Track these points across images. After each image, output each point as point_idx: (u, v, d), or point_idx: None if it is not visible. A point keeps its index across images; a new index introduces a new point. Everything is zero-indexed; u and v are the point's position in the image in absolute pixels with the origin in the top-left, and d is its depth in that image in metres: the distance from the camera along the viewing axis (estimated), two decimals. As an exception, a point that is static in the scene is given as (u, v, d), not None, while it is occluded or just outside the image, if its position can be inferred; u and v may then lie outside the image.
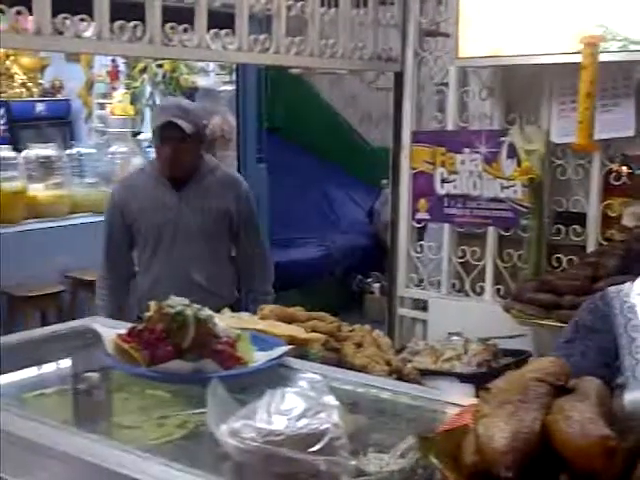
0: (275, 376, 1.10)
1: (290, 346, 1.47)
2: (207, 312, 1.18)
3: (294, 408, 0.84)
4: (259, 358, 1.25)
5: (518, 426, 0.74)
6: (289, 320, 2.19)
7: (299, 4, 2.67)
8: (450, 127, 3.06)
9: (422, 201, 3.15)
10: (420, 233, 3.31)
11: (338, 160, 6.20)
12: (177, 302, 1.14)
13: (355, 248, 5.83)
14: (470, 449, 0.76)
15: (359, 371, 2.10)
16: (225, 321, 1.70)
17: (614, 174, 2.74)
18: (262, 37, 2.51)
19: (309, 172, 6.05)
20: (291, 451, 0.78)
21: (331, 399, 0.87)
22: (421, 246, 3.25)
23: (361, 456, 0.99)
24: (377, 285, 5.67)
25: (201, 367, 1.12)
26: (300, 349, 1.99)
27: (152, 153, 4.60)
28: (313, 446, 0.81)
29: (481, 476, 0.75)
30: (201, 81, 4.75)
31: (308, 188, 6.04)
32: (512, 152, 2.88)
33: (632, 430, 0.83)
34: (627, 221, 2.77)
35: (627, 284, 1.54)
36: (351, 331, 2.37)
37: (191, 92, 4.72)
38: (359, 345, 2.31)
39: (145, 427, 1.28)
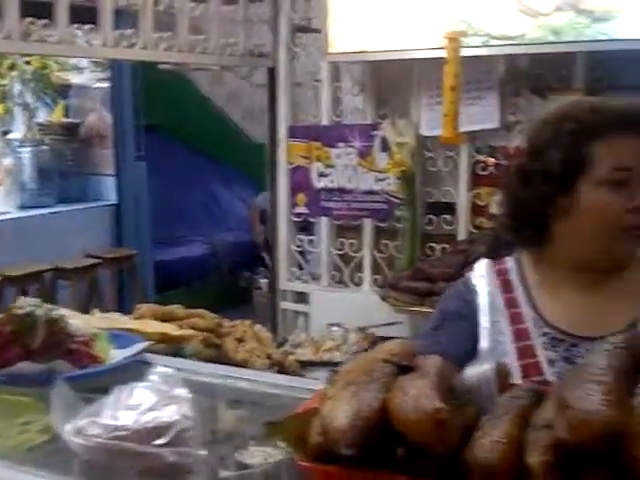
0: (136, 374, 1.09)
1: (147, 342, 1.45)
2: (60, 312, 1.16)
3: (143, 402, 0.84)
4: (116, 356, 1.24)
5: (359, 405, 0.76)
6: (167, 318, 2.17)
7: (167, -1, 2.65)
8: (325, 122, 3.11)
9: (300, 195, 3.19)
10: (307, 227, 3.34)
11: (222, 157, 6.17)
12: (27, 303, 1.11)
13: (242, 244, 5.83)
14: (316, 431, 0.78)
15: (240, 366, 2.11)
16: (94, 321, 1.66)
17: (481, 165, 2.86)
18: (129, 32, 2.47)
19: (192, 170, 5.99)
20: (137, 445, 0.79)
21: (183, 391, 0.87)
22: (301, 240, 3.29)
23: (243, 450, 1.00)
24: (264, 281, 5.69)
25: (53, 368, 1.10)
26: (174, 347, 1.98)
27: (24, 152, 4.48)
28: (160, 439, 0.81)
29: (326, 456, 0.77)
30: (74, 78, 4.62)
31: (192, 186, 5.98)
32: (385, 145, 2.96)
33: (471, 403, 0.87)
34: (495, 209, 2.89)
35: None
36: (232, 327, 2.37)
37: (64, 89, 4.59)
38: (240, 340, 2.31)
39: (6, 434, 1.24)
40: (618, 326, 1.42)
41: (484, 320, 1.06)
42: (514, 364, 1.39)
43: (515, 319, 1.47)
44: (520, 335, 1.45)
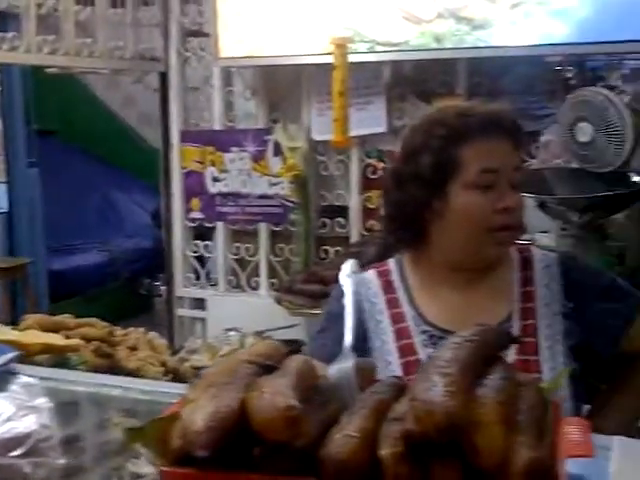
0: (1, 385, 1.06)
1: (15, 353, 1.42)
2: None
3: (0, 413, 0.83)
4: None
5: (217, 406, 0.77)
6: (56, 328, 2.13)
7: (50, 2, 2.59)
8: (217, 127, 3.11)
9: (195, 200, 3.17)
10: (204, 232, 3.32)
11: (119, 162, 6.06)
12: None
13: (141, 251, 5.73)
14: (176, 434, 0.79)
15: (133, 375, 2.08)
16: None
17: (371, 168, 2.92)
18: (10, 35, 2.41)
19: (89, 176, 5.86)
20: (-8, 457, 0.78)
21: (43, 401, 0.86)
22: (197, 245, 3.27)
23: (137, 460, 0.99)
24: (164, 288, 5.62)
25: None
26: (60, 357, 1.93)
27: None
28: (17, 449, 0.80)
29: (186, 459, 0.77)
30: (-40, 82, 4.46)
31: (88, 192, 5.85)
32: (277, 150, 2.98)
33: (333, 400, 0.90)
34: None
35: (369, 271, 1.65)
36: (125, 335, 2.34)
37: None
38: (133, 349, 2.28)
39: None
40: (493, 322, 1.49)
41: (349, 319, 1.09)
42: (396, 362, 1.43)
43: (396, 319, 1.51)
44: (401, 334, 1.49)
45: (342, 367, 0.93)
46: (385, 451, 0.75)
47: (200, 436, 0.74)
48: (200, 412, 0.77)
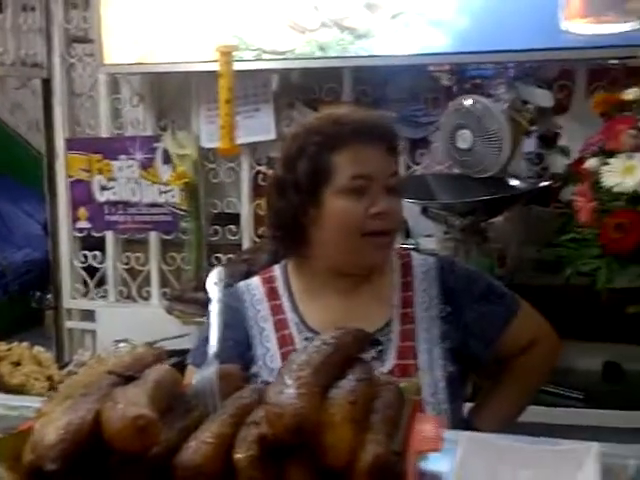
0: None
1: None
2: None
3: None
4: None
5: (70, 418, 0.76)
6: None
7: None
8: (104, 134, 3.05)
9: (82, 210, 3.10)
10: (93, 242, 3.24)
11: (7, 171, 5.84)
12: None
13: (32, 263, 5.52)
14: (28, 449, 0.77)
15: (17, 391, 2.01)
16: None
17: (261, 175, 2.92)
18: None
19: (-25, 186, 5.62)
20: None
21: None
22: (85, 255, 3.19)
23: None
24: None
25: None
26: None
27: None
28: None
29: (37, 474, 0.76)
30: None
31: (-26, 203, 5.61)
32: (167, 158, 2.95)
33: (196, 408, 0.90)
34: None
35: (254, 278, 1.65)
36: (8, 350, 2.27)
37: None
38: (18, 364, 2.21)
39: None
40: (374, 327, 1.52)
41: (214, 327, 1.09)
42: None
43: (280, 325, 1.52)
44: (284, 341, 1.50)
45: (205, 374, 0.93)
46: (239, 455, 0.75)
47: (51, 450, 0.72)
48: (52, 425, 0.76)
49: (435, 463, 0.77)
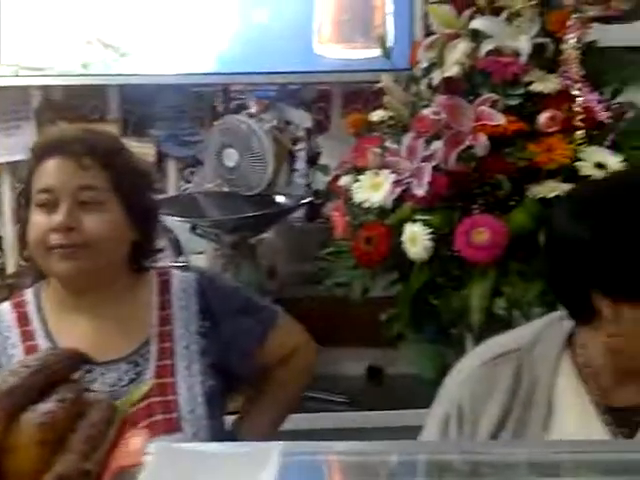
0: None
1: None
2: None
3: None
4: None
5: None
6: None
7: None
8: None
9: None
10: None
11: None
12: None
13: None
14: None
15: None
16: None
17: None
18: None
19: None
20: None
21: None
22: None
23: None
24: None
25: None
26: None
27: None
28: None
29: None
30: None
31: None
32: None
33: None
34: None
35: (4, 304, 1.58)
36: None
37: None
38: None
39: None
40: (130, 347, 1.51)
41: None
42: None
43: (29, 353, 1.47)
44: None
45: None
46: None
47: None
48: None
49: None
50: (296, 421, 1.85)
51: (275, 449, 0.68)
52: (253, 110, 2.51)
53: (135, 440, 0.70)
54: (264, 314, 1.67)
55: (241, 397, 1.76)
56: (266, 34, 2.50)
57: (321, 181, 2.52)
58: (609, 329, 1.17)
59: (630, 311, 1.14)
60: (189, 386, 1.50)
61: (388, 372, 2.57)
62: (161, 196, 2.65)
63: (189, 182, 2.78)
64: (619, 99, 1.99)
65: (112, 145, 1.52)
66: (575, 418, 1.22)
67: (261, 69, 2.51)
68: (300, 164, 2.61)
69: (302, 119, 2.44)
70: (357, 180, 2.00)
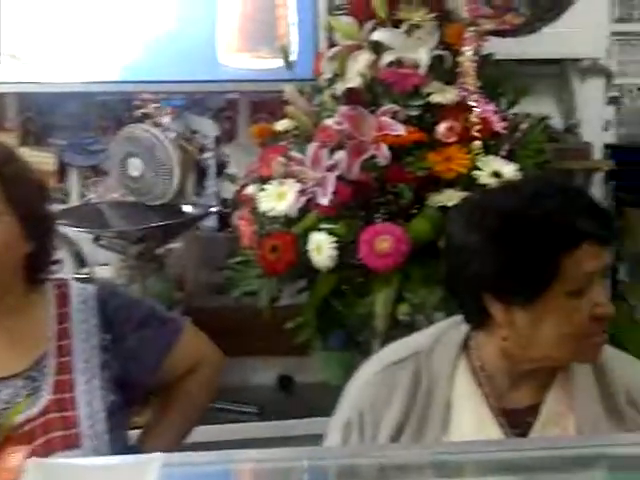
0: None
1: None
2: None
3: None
4: None
5: None
6: None
7: None
8: None
9: None
10: None
11: None
12: None
13: None
14: None
15: None
16: None
17: None
18: None
19: None
20: None
21: None
22: None
23: None
24: None
25: None
26: None
27: None
28: None
29: None
30: None
31: None
32: None
33: None
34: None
35: None
36: None
37: None
38: None
39: None
40: (27, 362, 1.47)
41: None
42: None
43: None
44: None
45: None
46: None
47: None
48: None
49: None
50: (204, 433, 1.83)
51: (156, 460, 0.67)
52: (158, 119, 2.48)
53: (14, 457, 0.69)
54: (168, 326, 1.65)
55: (148, 411, 1.74)
56: (172, 43, 2.48)
57: (229, 190, 2.51)
58: (502, 333, 1.21)
59: (521, 315, 1.18)
60: (89, 401, 1.46)
61: (299, 380, 2.58)
62: (63, 206, 2.60)
63: (93, 192, 2.73)
64: (514, 110, 2.06)
65: (4, 155, 1.48)
66: (472, 420, 1.25)
67: (167, 78, 2.48)
68: (208, 173, 2.59)
69: (208, 128, 2.43)
70: (263, 189, 2.00)
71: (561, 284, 1.14)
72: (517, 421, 1.25)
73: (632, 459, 1.04)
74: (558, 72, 2.72)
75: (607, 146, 2.74)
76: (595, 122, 2.71)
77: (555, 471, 1.05)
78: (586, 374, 1.25)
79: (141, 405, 1.74)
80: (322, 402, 2.30)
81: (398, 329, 1.87)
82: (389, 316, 1.89)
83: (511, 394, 1.26)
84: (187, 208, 2.51)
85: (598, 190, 2.70)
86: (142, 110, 2.60)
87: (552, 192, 1.18)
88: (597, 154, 2.68)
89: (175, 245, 2.62)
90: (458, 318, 1.32)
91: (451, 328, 1.33)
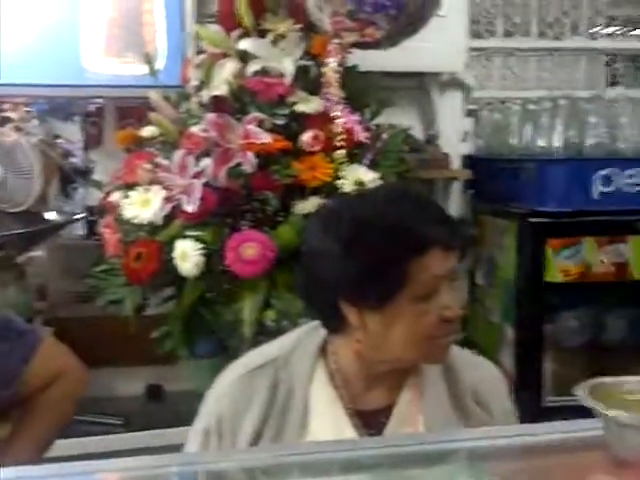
0: None
1: None
2: None
3: None
4: None
5: None
6: None
7: None
8: None
9: None
10: None
11: None
12: None
13: None
14: None
15: None
16: None
17: None
18: None
19: None
20: None
21: None
22: None
23: None
24: None
25: None
26: None
27: None
28: None
29: None
30: None
31: None
32: None
33: None
34: None
35: None
36: None
37: None
38: None
39: None
40: None
41: None
42: None
43: None
44: None
45: None
46: None
47: None
48: None
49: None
50: (68, 446, 1.78)
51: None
52: (20, 124, 2.40)
53: None
54: (25, 338, 1.60)
55: (8, 425, 1.68)
56: (34, 45, 2.40)
57: (95, 197, 2.46)
58: (356, 336, 1.25)
59: (373, 318, 1.22)
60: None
61: (168, 389, 2.55)
62: None
63: None
64: (378, 120, 2.12)
65: None
66: (328, 423, 1.28)
67: (28, 81, 2.40)
68: (71, 179, 2.52)
69: (72, 133, 2.37)
70: (127, 196, 1.97)
71: (410, 289, 1.18)
72: (372, 422, 1.28)
73: (475, 452, 1.10)
74: (419, 85, 2.82)
75: (465, 157, 2.85)
76: (454, 133, 2.82)
77: (405, 468, 1.09)
78: (436, 375, 1.30)
79: (1, 419, 1.68)
80: (192, 410, 2.30)
81: (265, 335, 1.88)
82: (256, 322, 1.90)
83: (366, 396, 1.30)
84: (50, 215, 2.44)
85: (456, 199, 2.81)
86: (3, 114, 2.50)
87: (403, 200, 1.23)
88: (456, 164, 2.79)
89: (37, 253, 2.53)
90: (317, 323, 1.35)
91: (310, 333, 1.36)
